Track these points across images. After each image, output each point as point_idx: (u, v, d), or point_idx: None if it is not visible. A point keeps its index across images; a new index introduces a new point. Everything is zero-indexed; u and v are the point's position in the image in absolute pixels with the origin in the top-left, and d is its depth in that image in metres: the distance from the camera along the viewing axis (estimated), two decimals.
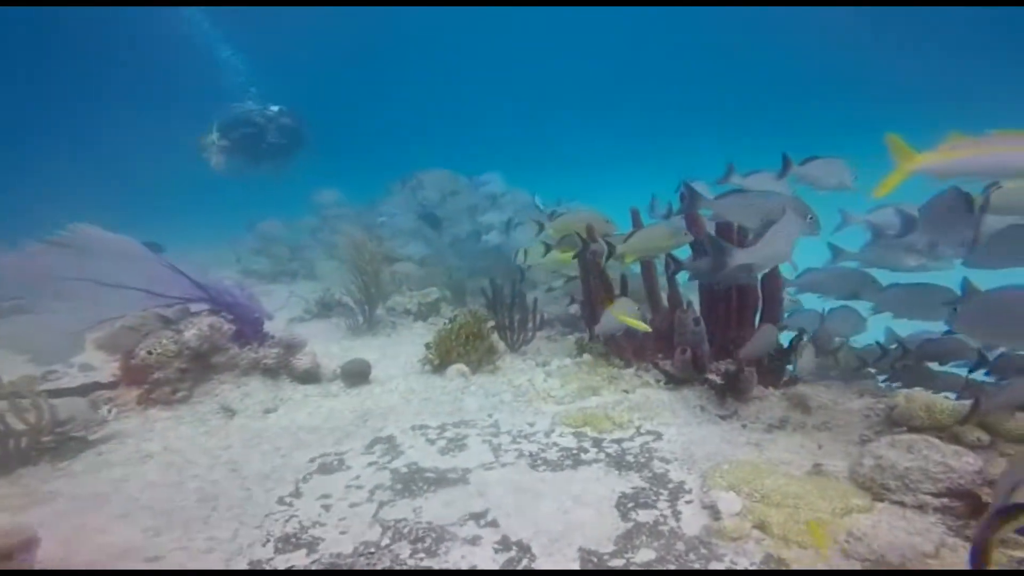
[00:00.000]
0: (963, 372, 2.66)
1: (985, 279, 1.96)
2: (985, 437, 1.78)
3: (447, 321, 3.64)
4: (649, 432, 2.24)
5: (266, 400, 2.60)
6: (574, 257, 3.29)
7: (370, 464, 2.11)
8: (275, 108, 7.64)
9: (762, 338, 2.60)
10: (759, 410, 2.52)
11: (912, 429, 2.04)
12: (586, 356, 3.26)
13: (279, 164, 7.94)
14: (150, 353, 2.42)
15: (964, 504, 1.39)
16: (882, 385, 2.99)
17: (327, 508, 1.82)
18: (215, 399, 2.55)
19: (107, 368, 2.78)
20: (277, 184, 8.27)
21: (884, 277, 2.81)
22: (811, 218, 2.24)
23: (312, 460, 2.17)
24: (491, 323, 3.49)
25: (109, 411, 2.40)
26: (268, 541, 1.61)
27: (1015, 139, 1.63)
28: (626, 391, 2.71)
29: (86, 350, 2.59)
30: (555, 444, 2.19)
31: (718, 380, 2.60)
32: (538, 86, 27.44)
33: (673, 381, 2.75)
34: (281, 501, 1.87)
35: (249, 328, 2.73)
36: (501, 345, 3.60)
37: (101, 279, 2.38)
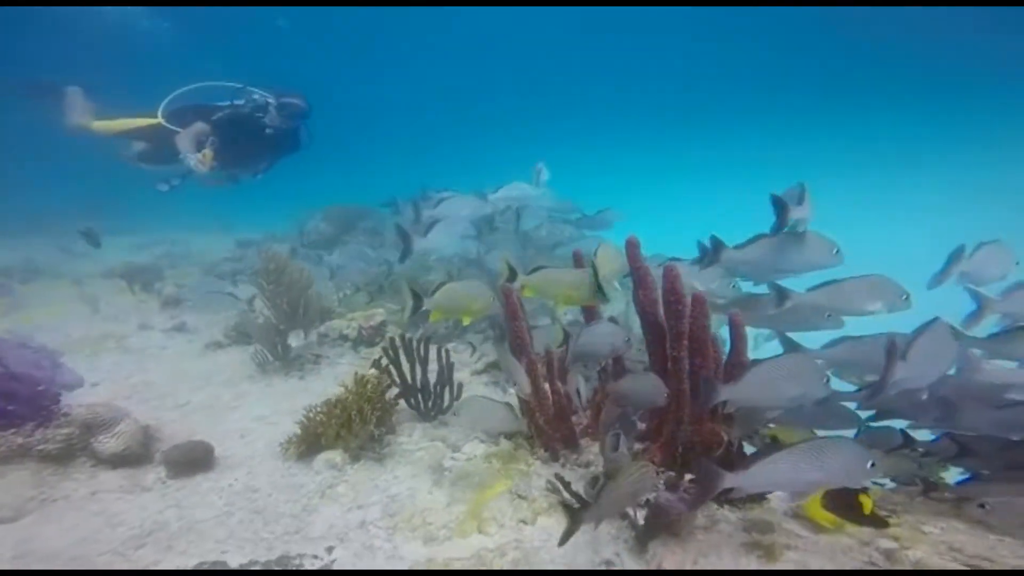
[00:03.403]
0: None
1: None
2: None
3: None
4: None
5: (12, 501, 1.90)
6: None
7: None
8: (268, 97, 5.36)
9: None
10: (699, 555, 1.88)
11: None
12: (504, 444, 2.62)
13: (273, 159, 5.83)
14: None
15: None
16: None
17: None
18: None
19: None
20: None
21: None
22: None
23: None
24: (391, 391, 2.83)
25: None
26: None
27: None
28: (524, 521, 2.04)
29: None
30: None
31: (639, 521, 1.94)
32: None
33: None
34: None
35: (23, 406, 2.05)
36: (410, 413, 2.96)
37: None
